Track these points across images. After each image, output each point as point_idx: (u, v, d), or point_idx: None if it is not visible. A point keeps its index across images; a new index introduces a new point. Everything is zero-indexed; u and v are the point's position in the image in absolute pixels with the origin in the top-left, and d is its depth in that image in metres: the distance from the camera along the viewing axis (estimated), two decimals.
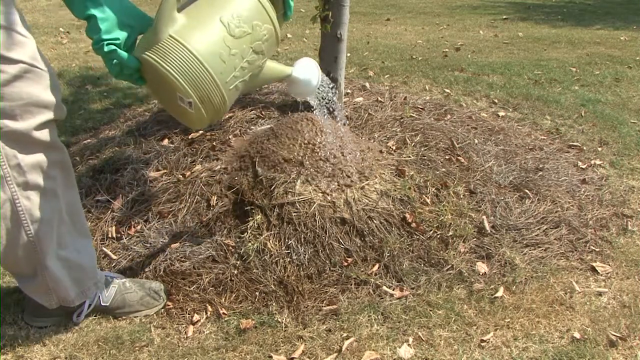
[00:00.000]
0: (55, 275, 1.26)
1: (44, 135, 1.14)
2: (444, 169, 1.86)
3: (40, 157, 1.15)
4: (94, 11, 1.04)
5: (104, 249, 1.60)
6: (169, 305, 1.45)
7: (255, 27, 1.13)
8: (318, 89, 1.35)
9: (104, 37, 1.05)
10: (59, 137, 1.21)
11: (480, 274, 1.57)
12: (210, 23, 1.09)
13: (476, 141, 2.12)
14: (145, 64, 1.07)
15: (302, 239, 1.56)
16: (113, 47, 1.06)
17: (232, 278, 1.50)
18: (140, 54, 1.07)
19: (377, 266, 1.55)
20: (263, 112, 2.08)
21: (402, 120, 2.14)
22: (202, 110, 1.09)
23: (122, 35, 1.07)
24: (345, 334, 1.36)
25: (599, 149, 2.41)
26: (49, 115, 1.14)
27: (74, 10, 1.06)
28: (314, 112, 1.66)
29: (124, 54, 1.07)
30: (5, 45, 1.04)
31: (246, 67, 1.14)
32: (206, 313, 1.43)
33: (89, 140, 2.25)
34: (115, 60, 1.06)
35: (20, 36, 1.07)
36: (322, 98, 1.50)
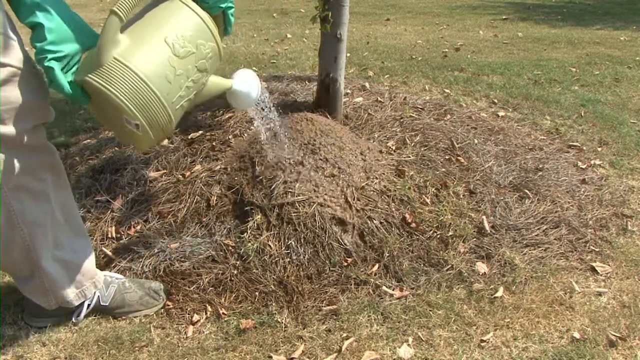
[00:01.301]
0: (51, 276, 1.26)
1: (33, 138, 1.14)
2: (443, 169, 1.86)
3: (30, 160, 1.15)
4: (41, 19, 0.99)
5: (103, 249, 1.60)
6: (168, 305, 1.45)
7: (200, 46, 1.13)
8: (258, 101, 1.35)
9: (48, 47, 1.00)
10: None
11: (480, 274, 1.57)
12: (154, 44, 1.08)
13: (476, 141, 2.12)
14: (89, 87, 1.04)
15: (302, 239, 1.56)
16: (55, 63, 1.01)
17: (232, 278, 1.50)
18: (83, 77, 1.03)
19: (376, 266, 1.55)
20: None
21: (401, 120, 2.14)
22: (149, 131, 1.09)
23: (68, 49, 1.03)
24: (345, 334, 1.36)
25: (599, 149, 2.41)
26: (37, 118, 1.13)
27: (20, 15, 1.01)
28: (254, 123, 1.65)
29: (62, 80, 1.02)
30: None
31: (191, 85, 1.14)
32: (206, 313, 1.43)
33: (88, 141, 2.25)
34: (51, 80, 1.02)
35: (8, 39, 1.05)
36: (262, 109, 1.51)
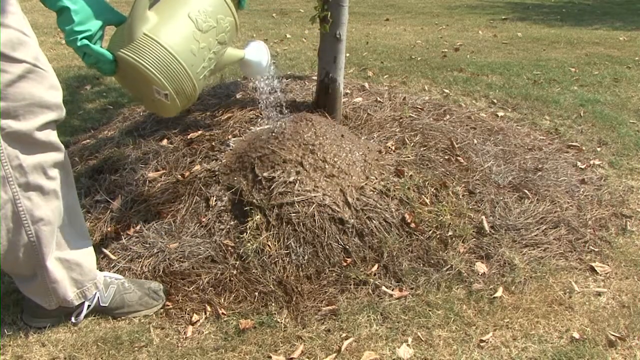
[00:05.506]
0: (54, 275, 1.26)
1: (45, 135, 1.15)
2: (443, 169, 1.86)
3: (41, 158, 1.16)
4: (67, 2, 1.07)
5: (103, 249, 1.60)
6: (168, 306, 1.45)
7: (220, 21, 1.24)
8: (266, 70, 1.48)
9: (77, 29, 1.08)
10: (58, 137, 1.22)
11: (480, 274, 1.57)
12: (180, 20, 1.17)
13: (475, 141, 2.12)
14: (121, 60, 1.13)
15: (302, 239, 1.56)
16: (86, 41, 1.09)
17: (232, 278, 1.50)
18: (116, 52, 1.12)
19: (376, 266, 1.55)
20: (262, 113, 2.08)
21: (401, 120, 2.14)
22: (177, 100, 1.19)
23: (93, 26, 1.10)
24: (344, 334, 1.36)
25: (598, 149, 2.41)
26: (50, 115, 1.15)
27: (46, 2, 1.07)
28: (258, 93, 1.80)
29: (97, 48, 1.11)
30: (9, 44, 1.05)
31: (212, 57, 1.25)
32: (205, 313, 1.43)
33: (87, 141, 2.24)
34: (88, 54, 1.11)
35: (24, 36, 1.08)
36: (268, 80, 1.65)
